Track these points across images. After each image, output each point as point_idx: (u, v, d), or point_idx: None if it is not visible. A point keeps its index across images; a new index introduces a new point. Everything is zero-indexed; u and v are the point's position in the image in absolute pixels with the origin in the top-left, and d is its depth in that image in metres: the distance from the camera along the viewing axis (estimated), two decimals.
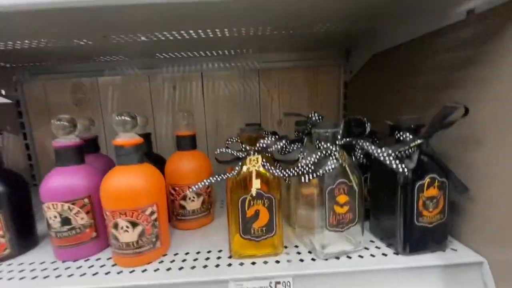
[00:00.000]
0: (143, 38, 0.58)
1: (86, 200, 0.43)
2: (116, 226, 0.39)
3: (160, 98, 0.88)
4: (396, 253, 0.40)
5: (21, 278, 0.39)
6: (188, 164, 0.51)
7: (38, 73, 0.83)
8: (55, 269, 0.41)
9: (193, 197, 0.51)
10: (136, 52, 0.73)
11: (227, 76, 0.87)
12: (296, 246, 0.44)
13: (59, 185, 0.42)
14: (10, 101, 0.84)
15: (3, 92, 0.81)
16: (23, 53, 0.66)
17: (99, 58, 0.78)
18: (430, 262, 0.38)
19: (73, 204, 0.42)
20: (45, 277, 0.39)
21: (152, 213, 0.41)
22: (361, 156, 0.49)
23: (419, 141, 0.38)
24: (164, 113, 0.88)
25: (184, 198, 0.51)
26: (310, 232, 0.42)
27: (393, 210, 0.40)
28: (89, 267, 0.41)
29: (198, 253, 0.44)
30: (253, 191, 0.38)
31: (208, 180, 0.40)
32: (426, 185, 0.38)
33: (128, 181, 0.39)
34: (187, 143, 0.52)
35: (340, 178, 0.39)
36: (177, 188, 0.51)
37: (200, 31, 0.54)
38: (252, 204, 0.39)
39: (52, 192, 0.41)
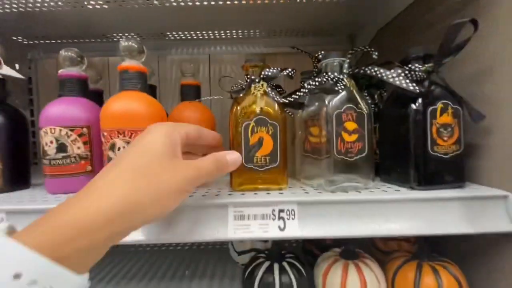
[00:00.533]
0: (155, 2, 0.60)
1: (85, 129, 0.42)
2: (113, 147, 0.37)
3: (167, 80, 0.89)
4: (411, 188, 0.37)
5: (6, 203, 0.37)
6: (191, 111, 0.50)
7: (52, 51, 0.86)
8: (43, 198, 0.39)
9: None
10: (148, 28, 0.76)
11: (234, 60, 0.89)
12: (301, 187, 0.42)
13: (59, 110, 0.41)
14: (23, 77, 0.86)
15: (17, 67, 0.84)
16: (39, 23, 0.69)
17: (111, 36, 0.81)
18: (449, 194, 0.35)
19: (71, 130, 0.40)
20: (31, 201, 0.37)
21: None
22: (371, 104, 0.47)
23: (429, 65, 0.37)
24: (170, 95, 0.89)
25: None
26: (317, 178, 0.40)
27: (405, 146, 0.38)
28: None
29: (197, 189, 0.41)
30: (257, 109, 0.36)
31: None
32: (439, 110, 0.36)
33: (129, 101, 0.38)
34: (191, 92, 0.52)
35: (348, 104, 0.37)
36: None
37: None
38: (255, 130, 0.38)
39: (51, 116, 0.40)
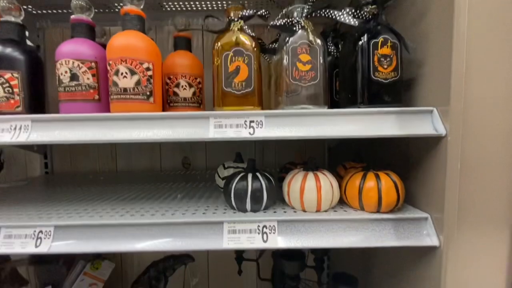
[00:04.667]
0: None
1: (93, 64, 0.50)
2: (117, 72, 0.46)
3: (164, 49, 0.97)
4: (358, 108, 0.46)
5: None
6: (182, 57, 0.59)
7: (59, 20, 0.94)
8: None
9: (185, 86, 0.58)
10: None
11: None
12: None
13: (72, 46, 0.49)
14: (32, 45, 0.94)
15: (27, 34, 0.92)
16: None
17: (113, 6, 0.89)
18: (386, 109, 0.44)
19: (82, 63, 0.49)
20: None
21: (148, 69, 0.48)
22: (334, 51, 0.56)
23: (373, 7, 0.46)
24: None
25: (178, 85, 0.58)
26: (282, 104, 0.48)
27: (354, 74, 0.47)
28: None
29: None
30: (234, 38, 0.45)
31: None
32: (380, 43, 0.45)
33: (131, 36, 0.47)
34: (183, 43, 0.60)
35: (303, 40, 0.46)
36: (171, 77, 0.58)
37: None
38: (233, 60, 0.46)
39: (66, 50, 0.49)
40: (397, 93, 0.46)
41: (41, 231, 0.45)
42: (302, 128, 0.43)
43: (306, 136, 0.42)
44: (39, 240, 0.44)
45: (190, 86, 0.59)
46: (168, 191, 0.65)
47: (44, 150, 0.96)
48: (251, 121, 0.44)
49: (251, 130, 0.43)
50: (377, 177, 0.47)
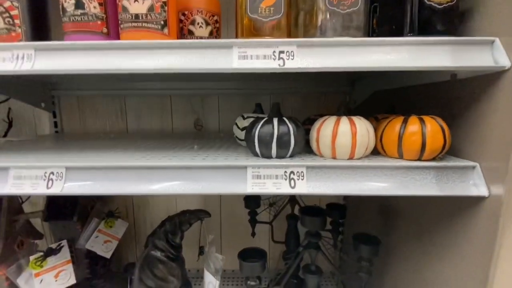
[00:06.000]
0: None
1: None
2: None
3: None
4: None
5: None
6: None
7: None
8: None
9: (201, 23, 0.52)
10: None
11: None
12: None
13: None
14: None
15: None
16: None
17: None
18: (439, 38, 0.37)
19: None
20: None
21: None
22: None
23: None
24: None
25: (193, 23, 0.52)
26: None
27: (402, 1, 0.40)
28: None
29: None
30: None
31: None
32: None
33: None
34: None
35: None
36: (186, 13, 0.51)
37: None
38: None
39: None
40: (452, 22, 0.39)
41: (52, 173, 0.42)
42: (342, 59, 0.37)
43: (347, 67, 0.37)
44: (50, 182, 0.42)
45: (207, 24, 0.52)
46: (183, 143, 0.61)
47: (52, 108, 0.93)
48: (280, 52, 0.38)
49: (280, 62, 0.38)
50: (422, 121, 0.41)
